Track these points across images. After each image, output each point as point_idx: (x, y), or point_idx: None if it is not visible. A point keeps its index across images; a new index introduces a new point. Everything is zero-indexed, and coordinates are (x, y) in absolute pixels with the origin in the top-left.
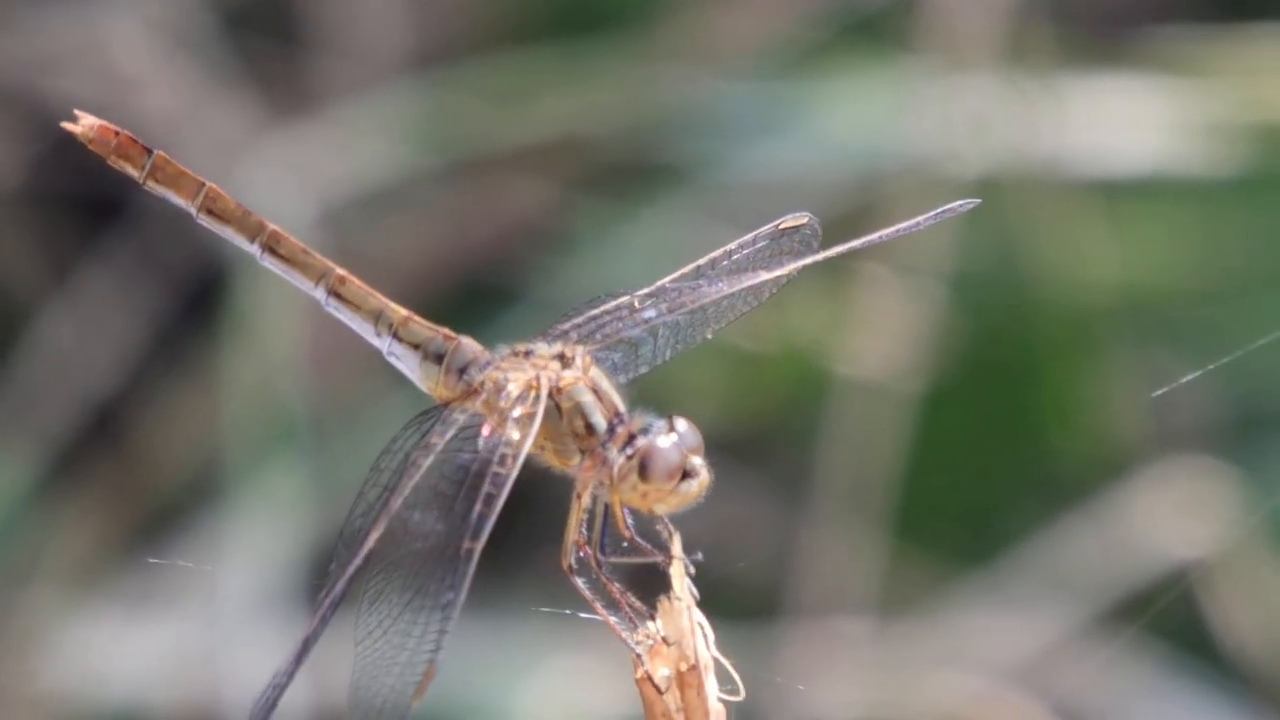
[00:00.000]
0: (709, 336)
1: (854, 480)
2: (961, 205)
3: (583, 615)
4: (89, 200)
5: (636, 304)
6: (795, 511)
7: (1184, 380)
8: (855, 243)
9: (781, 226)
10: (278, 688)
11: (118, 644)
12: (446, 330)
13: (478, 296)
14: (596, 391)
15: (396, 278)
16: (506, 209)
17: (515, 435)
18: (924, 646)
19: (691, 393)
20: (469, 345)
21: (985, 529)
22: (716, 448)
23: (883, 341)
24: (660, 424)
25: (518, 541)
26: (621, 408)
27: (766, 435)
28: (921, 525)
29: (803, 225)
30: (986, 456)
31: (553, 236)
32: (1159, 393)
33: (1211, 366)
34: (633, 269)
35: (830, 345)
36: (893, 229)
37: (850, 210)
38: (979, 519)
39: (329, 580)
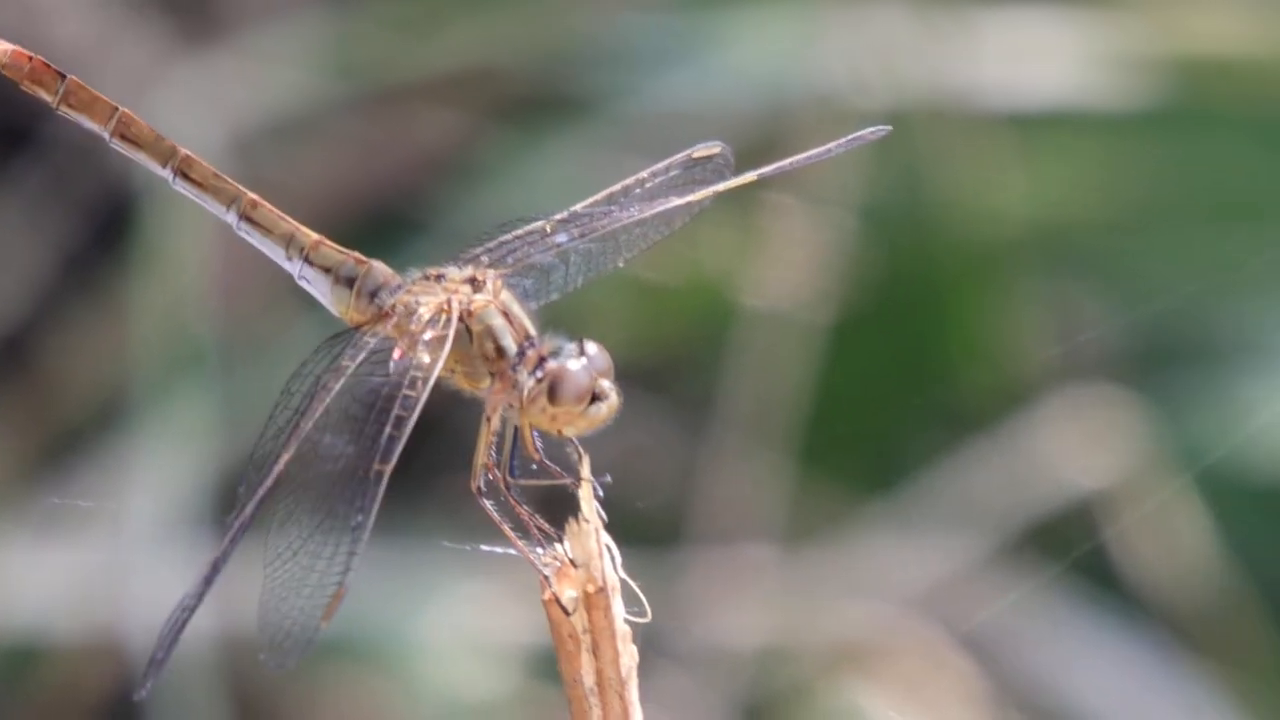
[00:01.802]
0: (620, 265)
1: (760, 409)
2: (873, 132)
3: (485, 548)
4: None
5: (549, 229)
6: (701, 439)
7: (1091, 333)
8: (768, 168)
9: (694, 155)
10: (186, 610)
11: (21, 570)
12: (358, 254)
13: (387, 225)
14: (507, 315)
15: (306, 206)
16: (416, 138)
17: (426, 358)
18: (828, 574)
19: (600, 321)
20: (380, 269)
21: (890, 458)
22: (624, 376)
23: (790, 272)
24: (570, 347)
25: (425, 467)
26: (532, 331)
27: (673, 364)
28: (827, 454)
29: (715, 154)
30: (893, 386)
31: (462, 167)
32: (1076, 339)
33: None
34: (542, 200)
35: (738, 276)
36: (805, 155)
37: (759, 141)
38: (884, 448)
39: (238, 502)
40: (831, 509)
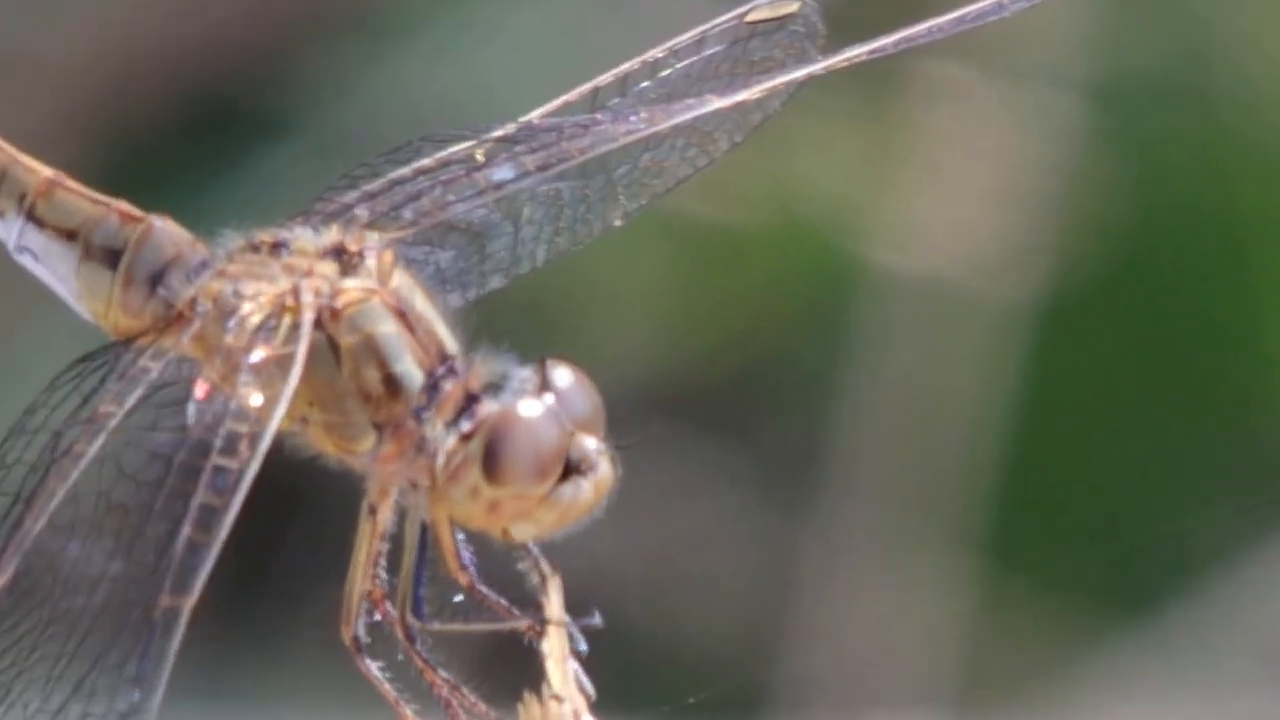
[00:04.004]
0: (617, 222)
1: (913, 464)
2: None
3: None
4: None
5: (482, 156)
6: (802, 520)
7: None
8: (886, 40)
9: (751, 19)
10: None
11: None
12: (126, 205)
13: (214, 127)
14: (404, 316)
15: (68, 93)
16: None
17: (255, 399)
18: None
19: (612, 305)
20: (167, 232)
21: (1144, 555)
22: (664, 406)
23: (967, 213)
24: (524, 376)
25: (276, 591)
26: (452, 346)
27: (754, 379)
28: (1031, 546)
29: (789, 15)
30: (1152, 424)
31: (343, 24)
32: None
33: None
34: (484, 88)
35: (866, 218)
36: (955, 15)
37: None
38: (1133, 537)
39: None
40: (1044, 647)
